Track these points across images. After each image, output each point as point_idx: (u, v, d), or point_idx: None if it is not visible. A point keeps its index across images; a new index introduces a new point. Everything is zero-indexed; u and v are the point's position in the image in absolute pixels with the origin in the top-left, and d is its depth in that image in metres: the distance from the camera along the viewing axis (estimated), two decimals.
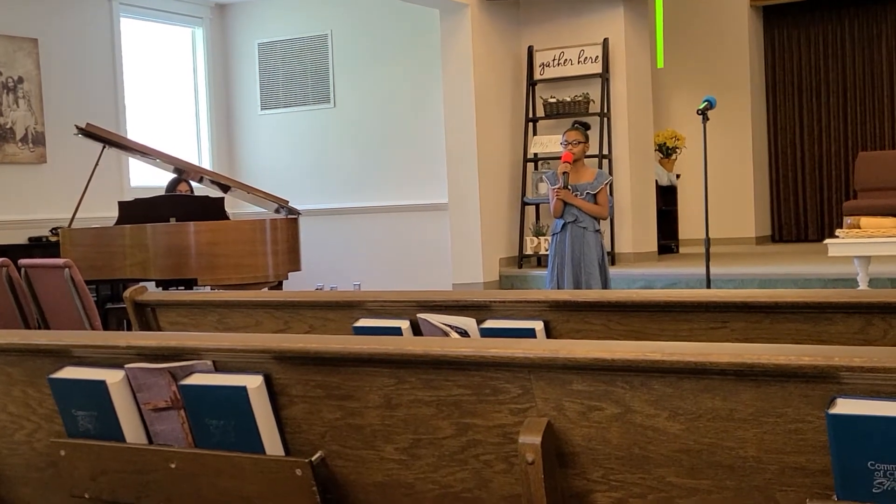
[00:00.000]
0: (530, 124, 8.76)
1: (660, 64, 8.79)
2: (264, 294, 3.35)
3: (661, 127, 10.33)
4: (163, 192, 7.24)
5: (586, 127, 6.04)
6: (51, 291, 5.01)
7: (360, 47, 9.28)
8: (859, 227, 6.01)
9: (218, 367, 1.89)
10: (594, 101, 8.51)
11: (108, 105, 8.68)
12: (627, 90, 8.53)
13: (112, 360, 1.98)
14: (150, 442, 1.96)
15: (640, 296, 2.50)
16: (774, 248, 10.34)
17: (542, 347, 1.65)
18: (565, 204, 5.79)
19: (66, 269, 4.79)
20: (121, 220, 6.36)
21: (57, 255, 6.08)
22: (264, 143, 9.79)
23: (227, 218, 6.60)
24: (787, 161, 11.19)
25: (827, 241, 6.23)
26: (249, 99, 9.84)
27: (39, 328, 5.18)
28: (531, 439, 1.58)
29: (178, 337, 2.05)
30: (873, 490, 1.34)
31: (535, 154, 8.70)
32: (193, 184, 7.37)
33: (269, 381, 1.84)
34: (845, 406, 1.36)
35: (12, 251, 6.64)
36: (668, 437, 1.54)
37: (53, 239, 7.66)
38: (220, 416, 1.83)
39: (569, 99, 8.55)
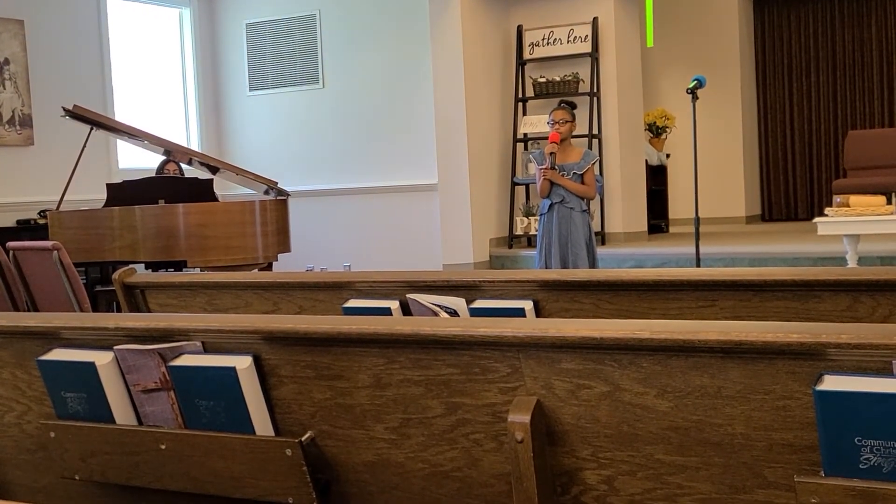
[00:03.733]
0: (520, 104, 8.74)
1: (649, 43, 8.77)
2: (254, 275, 3.35)
3: (650, 106, 10.32)
4: (151, 174, 7.22)
5: (572, 106, 6.02)
6: (40, 274, 4.99)
7: (348, 27, 9.23)
8: (848, 206, 6.02)
9: (207, 348, 1.88)
10: (584, 81, 8.49)
11: (95, 86, 8.63)
12: (617, 70, 8.51)
13: (101, 341, 1.98)
14: (140, 423, 1.96)
15: (629, 275, 2.51)
16: (764, 227, 10.36)
17: (531, 326, 1.65)
18: (552, 184, 5.78)
19: (55, 252, 4.77)
20: (109, 203, 6.34)
21: (45, 238, 6.05)
22: (253, 124, 9.75)
23: (217, 200, 6.57)
24: (776, 140, 11.20)
25: (816, 219, 6.24)
26: (238, 80, 9.79)
27: (28, 311, 5.16)
28: (520, 418, 1.59)
29: (168, 318, 2.05)
30: (860, 466, 1.35)
31: (525, 134, 8.68)
32: (183, 165, 7.34)
33: (258, 362, 1.84)
34: (832, 382, 1.37)
35: (0, 234, 6.62)
36: (656, 415, 1.54)
37: (42, 221, 7.63)
38: (210, 397, 1.84)
39: (558, 78, 8.53)
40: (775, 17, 11.14)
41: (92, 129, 6.38)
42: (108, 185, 6.52)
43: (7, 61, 7.97)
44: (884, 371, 1.36)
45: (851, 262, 6.05)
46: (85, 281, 6.01)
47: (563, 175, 5.77)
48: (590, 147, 8.05)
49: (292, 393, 1.84)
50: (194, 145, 9.59)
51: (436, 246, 8.54)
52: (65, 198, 6.31)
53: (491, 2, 8.66)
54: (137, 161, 8.56)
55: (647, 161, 9.39)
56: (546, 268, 5.83)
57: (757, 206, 11.25)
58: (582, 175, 5.79)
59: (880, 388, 1.33)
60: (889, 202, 6.11)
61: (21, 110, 8.05)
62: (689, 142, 5.88)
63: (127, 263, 5.96)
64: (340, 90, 9.29)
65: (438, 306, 2.44)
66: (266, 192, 6.76)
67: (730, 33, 10.82)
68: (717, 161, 10.50)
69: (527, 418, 1.58)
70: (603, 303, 2.49)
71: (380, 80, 9.08)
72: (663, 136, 10.34)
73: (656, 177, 9.94)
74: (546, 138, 6.08)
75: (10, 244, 5.23)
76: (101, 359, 1.93)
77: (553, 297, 2.51)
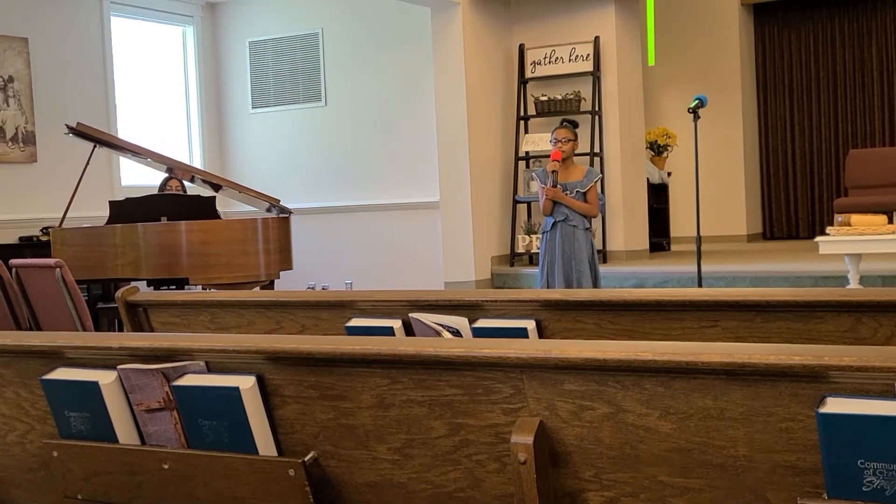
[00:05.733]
0: (522, 122, 8.76)
1: (651, 62, 8.80)
2: (256, 294, 3.35)
3: (652, 125, 10.35)
4: (154, 192, 7.23)
5: (574, 125, 6.04)
6: (42, 292, 5.00)
7: (351, 45, 9.27)
8: (850, 225, 6.03)
9: (211, 368, 1.89)
10: (585, 100, 8.52)
11: (98, 104, 8.66)
12: (618, 88, 8.54)
13: (105, 361, 1.98)
14: (143, 443, 1.96)
15: (631, 295, 2.51)
16: (765, 246, 10.37)
17: (534, 347, 1.65)
18: (555, 202, 5.80)
19: (58, 270, 4.78)
20: (112, 220, 6.35)
21: (48, 255, 6.06)
22: (255, 141, 9.77)
23: (219, 217, 6.59)
24: (777, 158, 11.22)
25: (818, 238, 6.25)
26: (240, 97, 9.82)
27: (31, 329, 5.16)
28: (523, 439, 1.59)
29: (171, 338, 2.05)
30: (863, 488, 1.35)
31: (527, 152, 8.70)
32: (185, 183, 7.35)
33: (261, 382, 1.84)
34: (835, 405, 1.37)
35: (3, 251, 6.63)
36: (659, 437, 1.55)
37: (44, 238, 7.64)
38: (213, 417, 1.84)
39: (560, 97, 8.56)
40: (776, 36, 11.18)
41: (95, 146, 6.40)
42: (111, 203, 6.53)
43: (11, 79, 8.00)
44: (886, 394, 1.37)
45: (853, 282, 6.06)
46: (87, 298, 6.02)
47: (565, 193, 5.78)
48: (591, 165, 8.07)
49: (295, 413, 1.84)
50: (196, 163, 9.61)
51: (437, 263, 8.55)
52: (67, 215, 6.32)
53: (493, 20, 8.69)
54: (140, 178, 8.58)
55: (648, 179, 9.40)
56: (548, 286, 5.83)
57: (758, 225, 11.26)
58: (585, 193, 5.80)
59: (883, 411, 1.33)
60: (890, 221, 6.12)
61: (24, 127, 8.08)
62: (691, 160, 5.90)
63: (129, 280, 5.99)
64: (343, 108, 9.32)
65: (441, 325, 2.44)
66: (268, 210, 6.77)
67: (731, 52, 10.86)
68: (719, 179, 10.52)
69: (530, 439, 1.58)
70: (605, 322, 2.49)
71: (382, 98, 9.11)
72: (665, 155, 10.36)
73: (658, 195, 9.96)
74: (548, 156, 6.10)
75: (13, 261, 5.24)
76: (105, 378, 1.93)
77: (556, 316, 2.51)
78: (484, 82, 8.55)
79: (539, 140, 8.46)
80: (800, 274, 7.11)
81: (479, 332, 2.46)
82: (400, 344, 1.76)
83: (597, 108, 8.46)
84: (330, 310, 2.78)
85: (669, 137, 10.26)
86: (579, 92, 8.52)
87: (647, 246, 8.97)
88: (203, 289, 5.95)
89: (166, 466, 1.89)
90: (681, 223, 10.17)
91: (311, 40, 9.44)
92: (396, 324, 2.57)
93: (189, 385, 1.86)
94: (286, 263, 6.39)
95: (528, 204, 8.68)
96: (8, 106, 7.97)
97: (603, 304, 2.49)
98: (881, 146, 10.47)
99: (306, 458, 1.78)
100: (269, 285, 6.39)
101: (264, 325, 2.88)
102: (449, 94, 8.38)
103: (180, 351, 1.91)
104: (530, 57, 8.73)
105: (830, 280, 6.66)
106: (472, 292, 2.76)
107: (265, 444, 1.84)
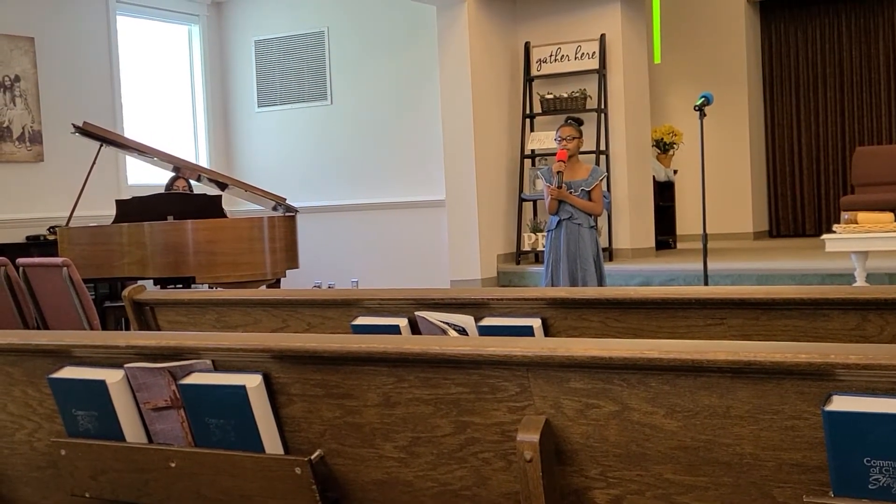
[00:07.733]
0: (527, 120, 8.76)
1: (657, 59, 8.79)
2: (263, 292, 3.36)
3: (658, 123, 10.33)
4: (161, 191, 7.24)
5: (579, 122, 6.04)
6: (49, 291, 5.01)
7: (357, 44, 9.27)
8: (856, 223, 6.02)
9: (217, 367, 1.89)
10: (591, 97, 8.51)
11: (105, 103, 8.68)
12: (624, 86, 8.53)
13: (112, 359, 1.98)
14: (150, 441, 1.96)
15: (637, 293, 2.51)
16: (772, 243, 10.35)
17: (539, 346, 1.65)
18: (560, 201, 5.80)
19: (65, 269, 4.79)
20: (118, 219, 6.36)
21: (54, 254, 6.07)
22: (261, 140, 9.78)
23: (225, 216, 6.60)
24: (784, 156, 11.20)
25: (824, 236, 6.23)
26: (246, 96, 9.83)
27: (38, 328, 5.18)
28: (529, 437, 1.59)
29: (178, 336, 2.06)
30: (869, 486, 1.35)
31: (533, 150, 8.70)
32: (192, 182, 7.37)
33: (268, 381, 1.84)
34: (841, 403, 1.37)
35: (10, 250, 6.65)
36: (665, 435, 1.55)
37: (51, 238, 7.66)
38: (220, 416, 1.84)
39: (566, 95, 8.55)
40: (782, 33, 11.16)
41: (101, 145, 6.41)
42: (118, 202, 6.55)
43: (17, 78, 8.02)
44: (892, 392, 1.36)
45: (860, 279, 6.05)
46: (94, 297, 6.03)
47: (570, 192, 5.78)
48: (597, 163, 8.07)
49: (302, 411, 1.84)
50: (203, 161, 9.62)
51: (443, 262, 8.55)
52: (74, 214, 6.34)
53: (498, 18, 8.69)
54: (146, 177, 8.60)
55: (654, 177, 9.39)
56: (553, 284, 5.84)
57: (764, 222, 11.24)
58: (589, 192, 5.80)
59: (889, 409, 1.33)
60: None
61: (31, 127, 8.09)
62: (697, 158, 5.89)
63: (136, 279, 6.01)
64: (348, 107, 9.32)
65: (447, 324, 2.44)
66: (274, 209, 6.78)
67: (737, 49, 10.84)
68: (725, 177, 10.50)
69: (535, 437, 1.58)
70: (611, 321, 2.49)
71: (388, 97, 9.11)
72: (671, 153, 10.34)
73: (663, 193, 9.95)
74: (554, 154, 6.10)
75: (20, 260, 5.26)
76: (112, 377, 1.93)
77: (561, 314, 2.51)
78: (489, 80, 8.55)
79: (545, 138, 8.45)
80: (806, 272, 7.09)
81: (485, 331, 2.46)
82: (406, 342, 1.77)
83: (603, 106, 8.46)
84: (336, 308, 2.78)
85: (675, 135, 10.25)
86: (585, 90, 8.51)
87: (652, 244, 8.96)
88: (209, 287, 5.96)
89: (173, 465, 1.90)
90: (687, 221, 10.16)
91: (316, 39, 9.44)
92: (402, 322, 2.57)
93: (196, 384, 1.86)
94: (292, 262, 6.40)
95: (534, 202, 8.68)
96: (15, 105, 7.99)
97: (608, 302, 2.49)
98: (888, 143, 10.44)
99: (313, 457, 1.79)
100: (276, 284, 6.40)
101: (271, 324, 2.88)
102: (455, 92, 8.38)
103: (187, 349, 1.92)
104: (536, 55, 8.72)
105: (837, 278, 6.65)
106: (477, 290, 2.76)
107: (272, 443, 1.84)
